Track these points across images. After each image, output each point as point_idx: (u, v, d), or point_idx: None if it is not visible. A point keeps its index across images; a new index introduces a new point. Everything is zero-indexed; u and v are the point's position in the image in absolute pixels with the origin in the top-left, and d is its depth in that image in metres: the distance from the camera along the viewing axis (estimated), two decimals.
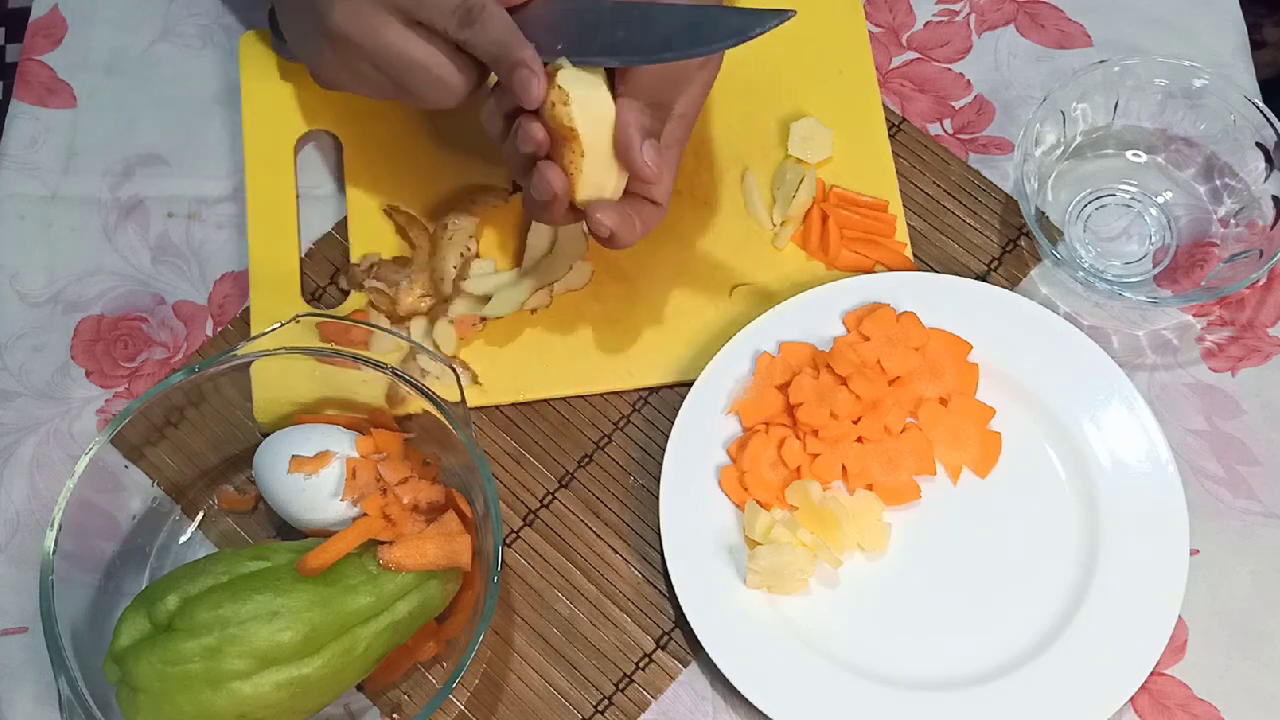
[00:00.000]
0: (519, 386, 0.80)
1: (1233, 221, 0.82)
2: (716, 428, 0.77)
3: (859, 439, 0.75)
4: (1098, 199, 0.83)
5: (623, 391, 0.80)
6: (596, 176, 0.68)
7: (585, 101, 0.67)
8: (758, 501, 0.74)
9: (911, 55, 0.88)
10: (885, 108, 0.86)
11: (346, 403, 0.76)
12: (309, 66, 0.75)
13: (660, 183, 0.70)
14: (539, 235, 0.81)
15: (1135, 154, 0.84)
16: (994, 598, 0.74)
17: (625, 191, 0.70)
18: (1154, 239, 0.82)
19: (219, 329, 0.82)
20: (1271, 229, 0.79)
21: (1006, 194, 0.84)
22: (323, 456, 0.71)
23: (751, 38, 0.66)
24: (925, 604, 0.74)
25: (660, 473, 0.75)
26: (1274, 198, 0.79)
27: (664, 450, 0.76)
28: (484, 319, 0.79)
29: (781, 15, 0.66)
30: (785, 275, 0.82)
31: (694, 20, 0.67)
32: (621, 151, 0.68)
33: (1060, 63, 0.87)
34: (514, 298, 0.79)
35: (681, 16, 0.67)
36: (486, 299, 0.79)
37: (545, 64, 0.67)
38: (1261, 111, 0.80)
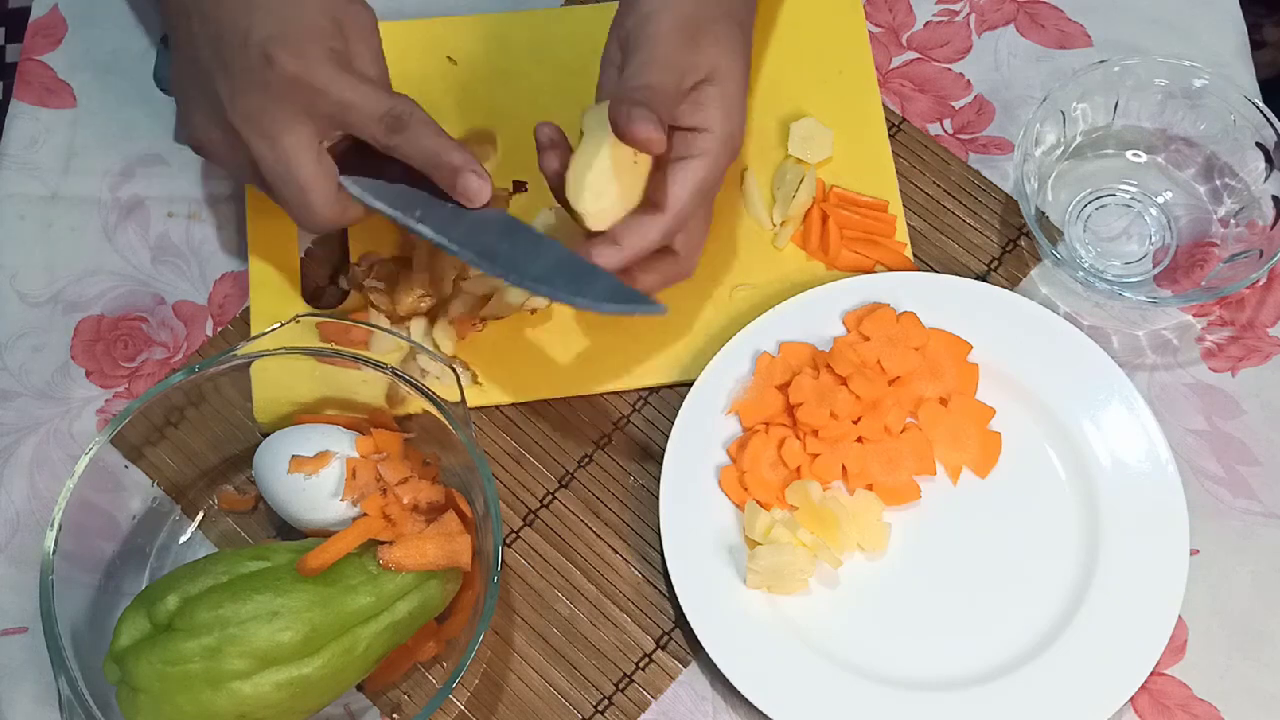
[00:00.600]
0: (519, 386, 0.80)
1: (1233, 221, 0.82)
2: (716, 428, 0.77)
3: (859, 439, 0.75)
4: (1098, 199, 0.83)
5: (623, 391, 0.80)
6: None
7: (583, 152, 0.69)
8: (758, 501, 0.74)
9: (911, 55, 0.88)
10: (885, 108, 0.86)
11: (346, 403, 0.76)
12: (192, 134, 0.73)
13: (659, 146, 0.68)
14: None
15: (1135, 154, 0.84)
16: (994, 598, 0.74)
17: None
18: (1154, 239, 0.82)
19: (219, 329, 0.82)
20: (1271, 229, 0.79)
21: (1006, 194, 0.84)
22: (323, 456, 0.71)
23: (624, 312, 0.68)
24: (925, 604, 0.74)
25: (660, 473, 0.75)
26: (1274, 198, 0.79)
27: (664, 450, 0.76)
28: (484, 319, 0.79)
29: (654, 307, 0.68)
30: (785, 275, 0.82)
31: (574, 268, 0.68)
32: (614, 125, 0.67)
33: (1060, 63, 0.87)
34: (513, 298, 0.79)
35: (563, 259, 0.69)
36: (486, 299, 0.79)
37: None
38: (1261, 111, 0.80)
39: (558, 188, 0.71)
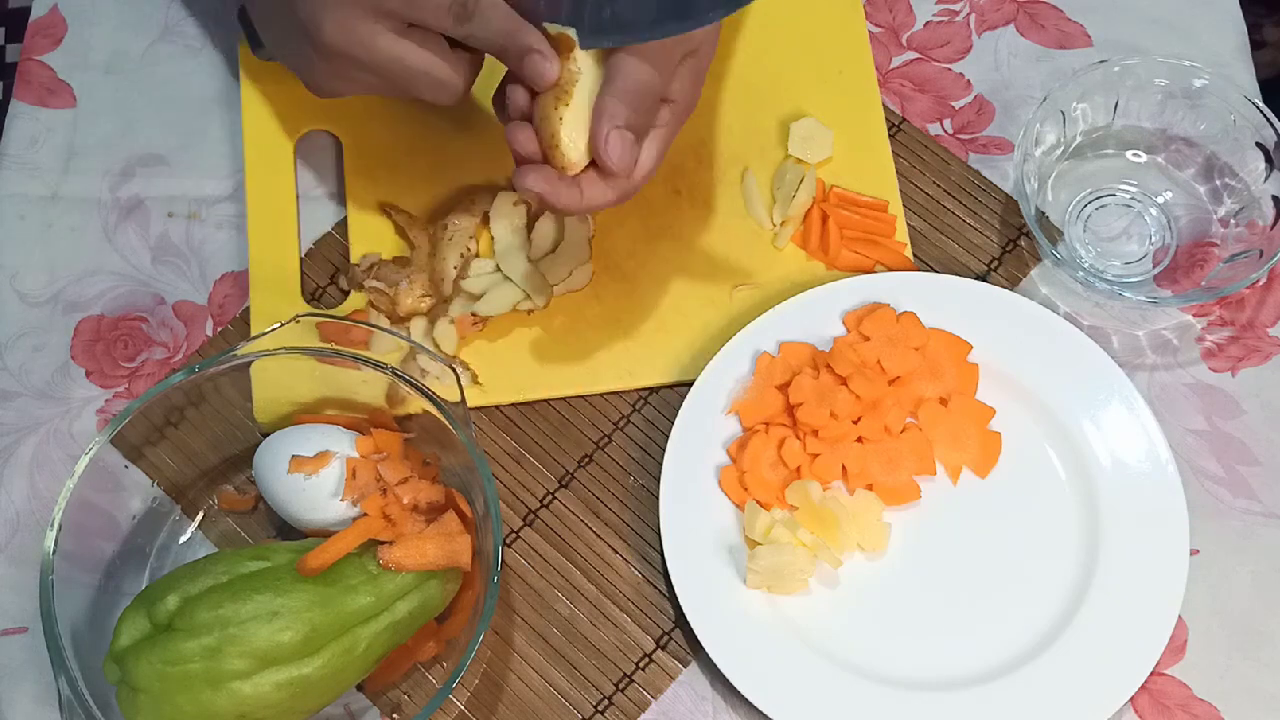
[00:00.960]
0: (519, 386, 0.80)
1: (1233, 221, 0.82)
2: (716, 428, 0.77)
3: (859, 439, 0.75)
4: (1098, 199, 0.83)
5: (623, 391, 0.80)
6: (577, 161, 0.67)
7: (580, 84, 0.67)
8: (758, 501, 0.74)
9: (911, 55, 0.88)
10: (885, 108, 0.86)
11: (346, 403, 0.76)
12: (302, 77, 0.75)
13: (623, 173, 0.68)
14: (542, 232, 0.81)
15: (1135, 154, 0.84)
16: (994, 598, 0.74)
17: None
18: (1154, 239, 0.82)
19: (219, 329, 0.82)
20: (1271, 229, 0.79)
21: (1006, 194, 0.84)
22: (323, 456, 0.71)
23: (740, 6, 0.65)
24: (925, 604, 0.74)
25: (660, 473, 0.75)
26: (1274, 198, 0.79)
27: (664, 450, 0.76)
28: (485, 319, 0.79)
29: None
30: (785, 275, 0.82)
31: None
32: (590, 140, 0.67)
33: (1060, 63, 0.87)
34: (506, 296, 0.79)
35: None
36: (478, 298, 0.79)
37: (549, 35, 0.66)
38: (1261, 111, 0.80)
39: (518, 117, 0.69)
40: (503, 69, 0.69)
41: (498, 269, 0.81)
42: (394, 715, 0.74)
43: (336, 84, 0.73)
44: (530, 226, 0.81)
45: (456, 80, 0.70)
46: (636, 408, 0.80)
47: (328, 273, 0.83)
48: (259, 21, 0.78)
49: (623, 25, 0.66)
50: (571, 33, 0.67)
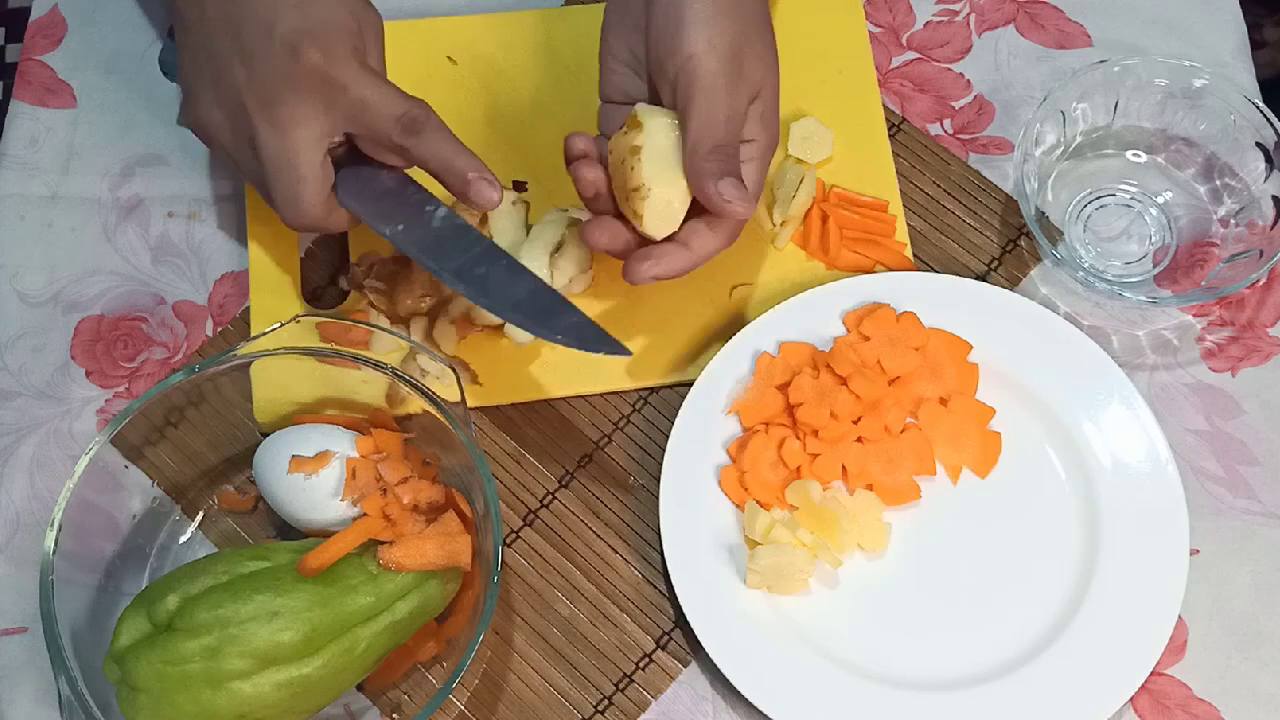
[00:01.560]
0: (519, 386, 0.80)
1: (1233, 221, 0.82)
2: (716, 428, 0.77)
3: (859, 439, 0.75)
4: (1098, 199, 0.83)
5: (623, 391, 0.80)
6: (661, 209, 0.71)
7: (652, 140, 0.71)
8: (758, 501, 0.74)
9: (911, 55, 0.88)
10: (885, 108, 0.86)
11: (346, 403, 0.76)
12: (192, 110, 0.73)
13: (747, 213, 0.71)
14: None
15: (1135, 154, 0.84)
16: (994, 598, 0.74)
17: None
18: (1154, 239, 0.82)
19: (219, 329, 0.82)
20: (1271, 229, 0.79)
21: (1006, 194, 0.84)
22: (323, 456, 0.71)
23: (590, 350, 0.71)
24: (925, 604, 0.74)
25: (660, 473, 0.75)
26: (1274, 198, 0.79)
27: (664, 450, 0.76)
28: (481, 325, 0.79)
29: (619, 350, 0.71)
30: (785, 275, 0.82)
31: (546, 301, 0.71)
32: (703, 200, 0.70)
33: (1060, 63, 0.87)
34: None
35: (536, 290, 0.71)
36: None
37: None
38: (1261, 111, 0.80)
39: (595, 197, 0.73)
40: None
41: None
42: (394, 715, 0.74)
43: (218, 135, 0.73)
44: (530, 227, 0.81)
45: (312, 212, 0.71)
46: (636, 408, 0.80)
47: (328, 273, 0.83)
48: (187, 40, 0.74)
49: (484, 288, 0.71)
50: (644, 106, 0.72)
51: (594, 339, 0.71)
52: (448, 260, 0.71)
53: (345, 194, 0.72)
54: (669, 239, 0.72)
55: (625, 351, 0.71)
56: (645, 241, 0.72)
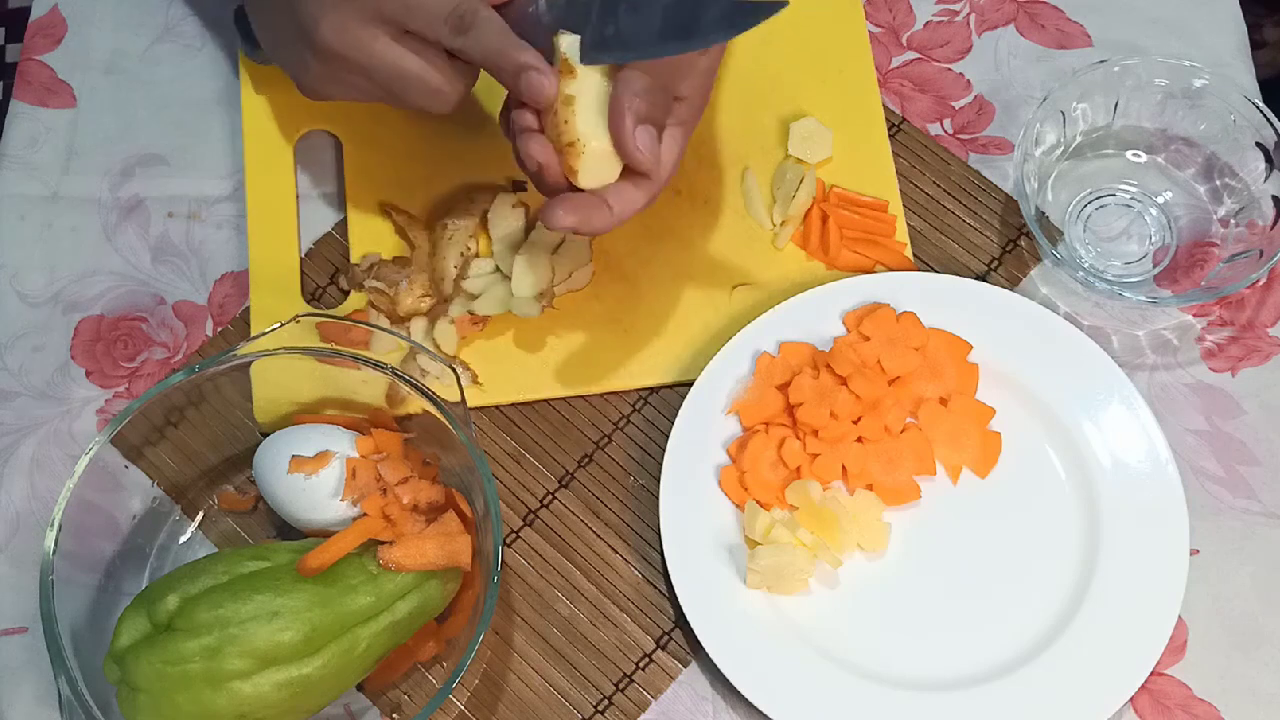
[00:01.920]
0: (519, 386, 0.80)
1: (1233, 221, 0.82)
2: (716, 428, 0.77)
3: (859, 439, 0.75)
4: (1098, 199, 0.83)
5: (623, 391, 0.80)
6: (595, 163, 0.67)
7: (585, 88, 0.66)
8: (758, 501, 0.74)
9: (911, 55, 0.88)
10: (885, 108, 0.86)
11: (346, 403, 0.76)
12: (296, 80, 0.74)
13: (653, 166, 0.68)
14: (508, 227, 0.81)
15: (1135, 154, 0.84)
16: (994, 598, 0.74)
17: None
18: (1154, 239, 0.82)
19: (219, 329, 0.82)
20: (1271, 229, 0.79)
21: (1006, 194, 0.84)
22: (323, 456, 0.71)
23: (743, 30, 0.65)
24: (925, 604, 0.74)
25: (660, 473, 0.75)
26: (1274, 198, 0.79)
27: (664, 450, 0.76)
28: (484, 319, 0.79)
29: (774, 7, 0.64)
30: (785, 275, 0.82)
31: (684, 14, 0.66)
32: (613, 137, 0.66)
33: (1060, 63, 0.87)
34: (506, 295, 0.79)
35: (671, 9, 0.66)
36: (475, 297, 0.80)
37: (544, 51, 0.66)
38: (1261, 111, 0.80)
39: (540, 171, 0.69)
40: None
41: (497, 269, 0.81)
42: (394, 715, 0.74)
43: (330, 88, 0.73)
44: (530, 228, 0.81)
45: (451, 90, 0.70)
46: (636, 408, 0.80)
47: (328, 273, 0.83)
48: (256, 21, 0.78)
49: (625, 43, 0.66)
50: (575, 47, 0.67)
51: (750, 12, 0.65)
52: (588, 11, 0.67)
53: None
54: (595, 192, 0.69)
55: (783, 1, 0.64)
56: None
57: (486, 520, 0.69)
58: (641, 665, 0.75)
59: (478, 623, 0.68)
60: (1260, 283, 0.82)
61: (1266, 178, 0.80)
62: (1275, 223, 0.79)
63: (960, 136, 0.86)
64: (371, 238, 0.83)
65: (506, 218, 0.81)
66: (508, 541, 0.77)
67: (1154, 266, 0.82)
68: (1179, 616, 0.72)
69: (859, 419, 0.75)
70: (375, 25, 0.68)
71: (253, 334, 0.80)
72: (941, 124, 0.86)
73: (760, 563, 0.72)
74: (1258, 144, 0.80)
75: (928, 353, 0.77)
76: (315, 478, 0.71)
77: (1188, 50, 0.86)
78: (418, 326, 0.80)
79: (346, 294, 0.82)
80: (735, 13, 0.65)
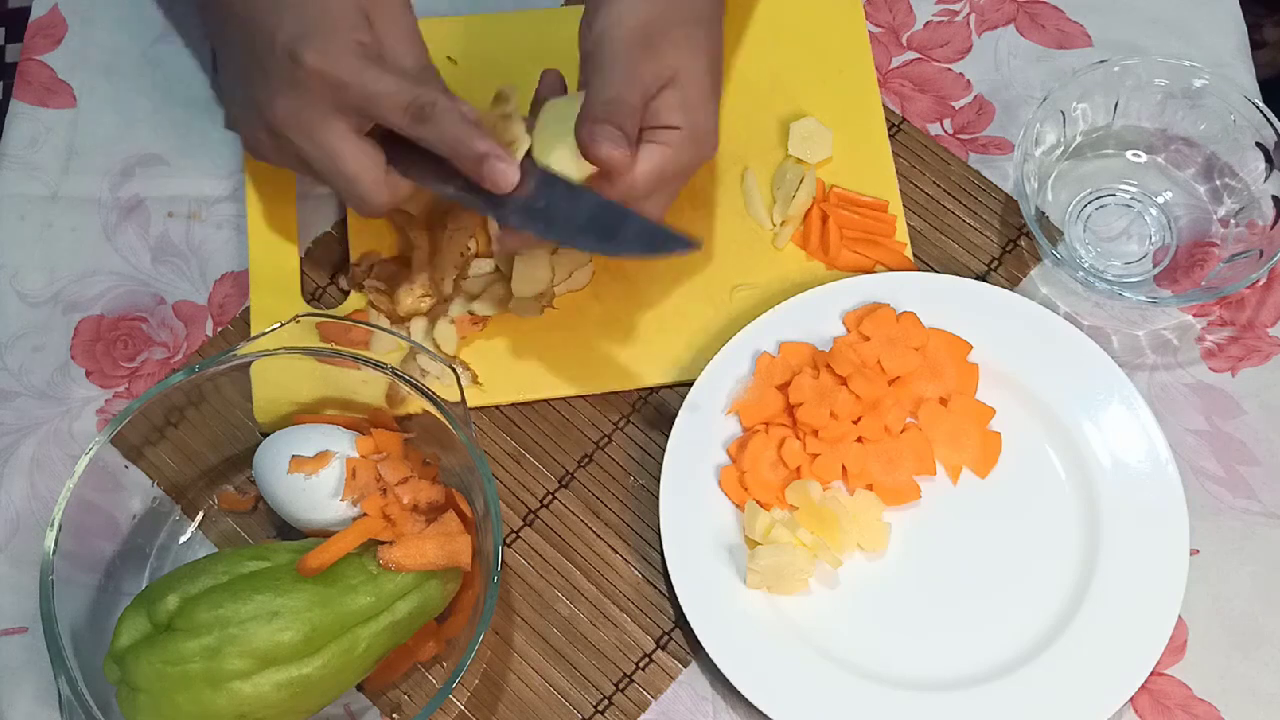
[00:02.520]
0: (519, 386, 0.80)
1: (1233, 221, 0.82)
2: (716, 428, 0.77)
3: (859, 439, 0.75)
4: (1098, 199, 0.83)
5: (623, 391, 0.80)
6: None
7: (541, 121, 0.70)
8: (758, 501, 0.74)
9: (911, 55, 0.88)
10: (885, 108, 0.86)
11: (346, 403, 0.76)
12: (242, 137, 0.76)
13: (618, 165, 0.69)
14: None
15: (1135, 154, 0.84)
16: (994, 598, 0.74)
17: None
18: (1154, 239, 0.82)
19: (219, 329, 0.82)
20: (1271, 229, 0.79)
21: (1006, 194, 0.84)
22: (323, 456, 0.71)
23: (656, 253, 0.70)
24: (925, 604, 0.74)
25: (660, 473, 0.75)
26: (1274, 198, 0.79)
27: (664, 450, 0.76)
28: (484, 318, 0.79)
29: (687, 244, 0.68)
30: (785, 275, 0.82)
31: (607, 218, 0.69)
32: (579, 140, 0.69)
33: (1060, 63, 0.87)
34: (499, 296, 0.79)
35: (599, 209, 0.69)
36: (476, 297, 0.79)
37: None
38: (1261, 111, 0.80)
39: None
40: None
41: (497, 269, 0.81)
42: (394, 715, 0.74)
43: (274, 156, 0.74)
44: None
45: (375, 202, 0.71)
46: (636, 408, 0.80)
47: (328, 273, 0.83)
48: (221, 66, 0.78)
49: (550, 221, 0.69)
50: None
51: (663, 241, 0.69)
52: (510, 202, 0.70)
53: (401, 167, 0.71)
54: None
55: (695, 244, 0.69)
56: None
57: (486, 520, 0.69)
58: (641, 665, 0.75)
59: (478, 623, 0.68)
60: (1260, 283, 0.82)
61: (1266, 178, 0.80)
62: (1275, 223, 0.79)
63: (960, 136, 0.86)
64: (371, 238, 0.83)
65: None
66: (508, 541, 0.77)
67: (1154, 266, 0.82)
68: (1179, 616, 0.72)
69: (859, 419, 0.75)
70: (333, 115, 0.69)
71: (253, 334, 0.80)
72: (941, 124, 0.86)
73: (760, 563, 0.72)
74: (1258, 144, 0.80)
75: (928, 353, 0.77)
76: (315, 478, 0.71)
77: (1188, 50, 0.86)
78: (418, 326, 0.80)
79: (346, 294, 0.82)
80: (651, 235, 0.69)
